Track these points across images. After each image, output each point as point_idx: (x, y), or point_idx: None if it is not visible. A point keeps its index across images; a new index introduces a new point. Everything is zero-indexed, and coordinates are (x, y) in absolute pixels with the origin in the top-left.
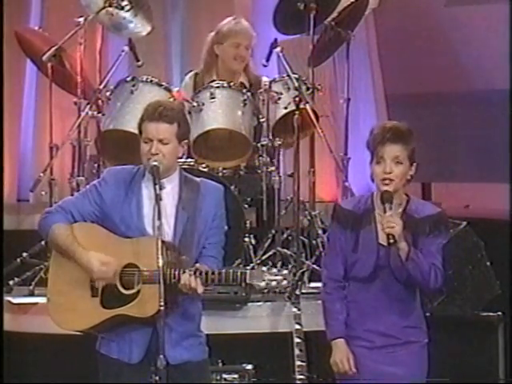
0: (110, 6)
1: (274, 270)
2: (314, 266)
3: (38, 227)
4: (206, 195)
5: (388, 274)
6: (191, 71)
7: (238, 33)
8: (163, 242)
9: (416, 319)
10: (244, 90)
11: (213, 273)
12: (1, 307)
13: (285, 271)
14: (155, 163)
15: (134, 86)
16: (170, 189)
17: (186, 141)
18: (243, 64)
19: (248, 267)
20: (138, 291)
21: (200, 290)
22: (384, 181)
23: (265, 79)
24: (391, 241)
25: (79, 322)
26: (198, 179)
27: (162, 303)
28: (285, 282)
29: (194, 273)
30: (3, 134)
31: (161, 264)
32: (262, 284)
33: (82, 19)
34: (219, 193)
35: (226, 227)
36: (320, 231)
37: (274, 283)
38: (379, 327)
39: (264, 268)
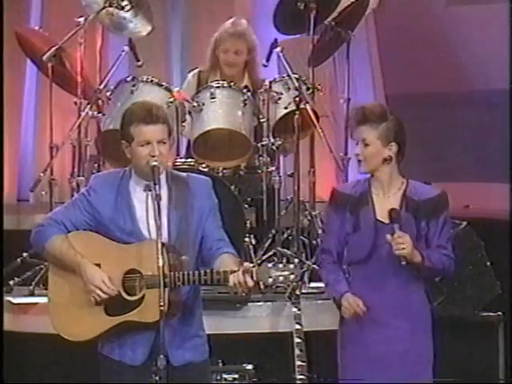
0: (110, 6)
1: (280, 266)
2: (314, 265)
3: (32, 242)
4: (195, 190)
5: (386, 251)
6: (195, 69)
7: (227, 39)
8: (163, 244)
9: (418, 296)
10: (244, 90)
11: (218, 273)
12: (1, 307)
13: (291, 265)
14: (155, 163)
15: (134, 86)
16: (160, 187)
17: (172, 135)
18: (235, 69)
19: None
20: (143, 296)
21: (251, 284)
22: (359, 162)
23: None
24: (403, 263)
25: (84, 331)
26: (184, 174)
27: (162, 303)
28: (292, 277)
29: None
30: (3, 134)
31: (161, 264)
32: (270, 280)
33: (82, 19)
34: (208, 185)
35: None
36: (320, 231)
37: (281, 278)
38: (380, 308)
39: (270, 264)
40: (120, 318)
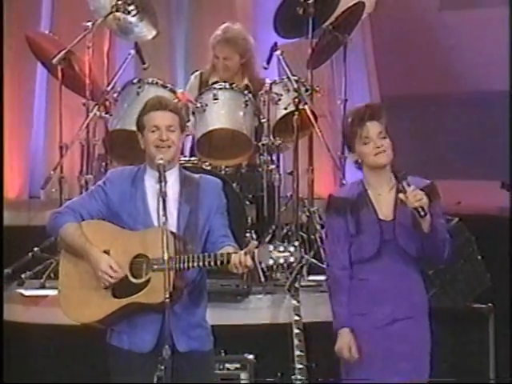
0: (117, 11)
1: (281, 248)
2: (313, 259)
3: (48, 227)
4: (206, 189)
5: (393, 249)
6: (197, 71)
7: (216, 45)
8: (170, 232)
9: (420, 293)
10: (246, 92)
11: (221, 255)
12: (1, 305)
13: (291, 248)
14: (161, 161)
15: (140, 87)
16: (172, 183)
17: (185, 133)
18: (228, 73)
19: None
20: (149, 279)
21: (250, 263)
22: (377, 154)
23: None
24: (422, 213)
25: (92, 313)
26: (197, 175)
27: (167, 294)
28: (292, 259)
29: (246, 253)
30: (3, 134)
31: (166, 254)
32: (270, 262)
33: (90, 24)
34: (218, 186)
35: (226, 214)
36: (318, 227)
37: (281, 260)
38: (388, 305)
39: (270, 246)
40: (126, 299)
